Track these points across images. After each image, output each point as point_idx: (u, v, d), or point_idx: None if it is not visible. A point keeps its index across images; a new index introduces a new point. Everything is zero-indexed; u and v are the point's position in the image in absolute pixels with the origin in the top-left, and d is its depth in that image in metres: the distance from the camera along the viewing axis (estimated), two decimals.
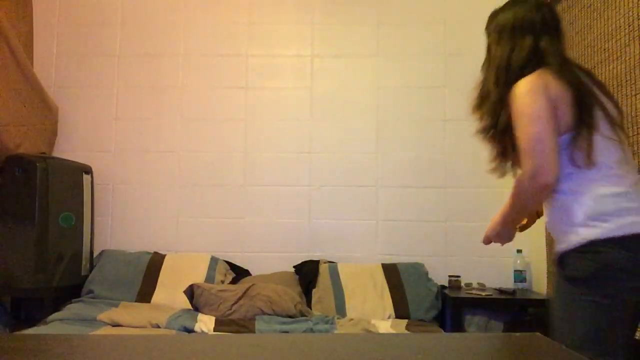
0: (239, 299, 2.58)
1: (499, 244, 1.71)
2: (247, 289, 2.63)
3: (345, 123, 3.27)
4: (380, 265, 2.99)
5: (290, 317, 2.55)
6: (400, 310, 2.74)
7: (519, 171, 1.49)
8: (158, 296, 2.82)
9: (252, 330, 2.38)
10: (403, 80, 3.27)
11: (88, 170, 3.10)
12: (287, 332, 2.34)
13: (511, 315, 2.87)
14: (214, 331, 2.37)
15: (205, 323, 2.41)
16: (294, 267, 3.10)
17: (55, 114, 3.26)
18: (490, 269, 3.07)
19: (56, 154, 3.26)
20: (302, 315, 2.61)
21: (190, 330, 2.37)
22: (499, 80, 1.50)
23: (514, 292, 2.81)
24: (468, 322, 2.84)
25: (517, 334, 0.92)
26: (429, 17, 3.30)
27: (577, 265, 1.34)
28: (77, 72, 3.36)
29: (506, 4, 1.59)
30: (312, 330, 2.38)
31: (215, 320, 2.46)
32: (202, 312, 2.58)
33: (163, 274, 2.93)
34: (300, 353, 0.80)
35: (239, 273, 3.09)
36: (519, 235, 1.82)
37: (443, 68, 3.26)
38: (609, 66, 2.18)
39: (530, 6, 1.52)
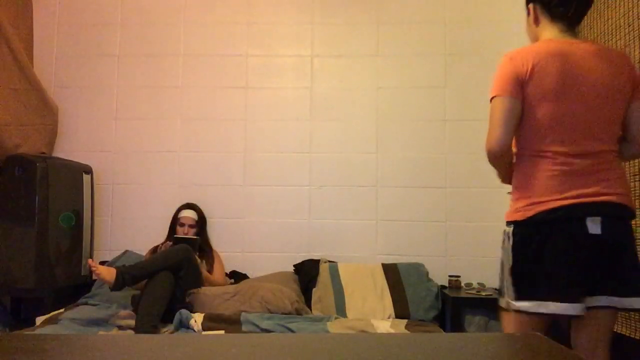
0: (234, 298, 2.58)
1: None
2: (243, 290, 2.63)
3: (345, 123, 3.27)
4: (380, 265, 2.99)
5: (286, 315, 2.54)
6: (400, 310, 2.74)
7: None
8: None
9: (237, 323, 2.36)
10: (403, 80, 3.27)
11: (88, 170, 3.10)
12: (270, 330, 2.29)
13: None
14: (202, 326, 2.34)
15: (194, 318, 2.39)
16: (294, 266, 3.10)
17: (55, 114, 3.26)
18: (490, 269, 3.07)
19: (56, 154, 3.26)
20: (299, 313, 2.61)
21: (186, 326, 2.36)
22: None
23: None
24: (468, 322, 2.84)
25: (517, 334, 0.92)
26: (429, 17, 3.30)
27: None
28: (77, 72, 3.36)
29: None
30: (296, 329, 2.33)
31: (204, 315, 2.44)
32: (198, 312, 2.55)
33: None
34: (299, 353, 0.80)
35: (236, 277, 3.09)
36: None
37: (443, 68, 3.26)
38: None
39: None
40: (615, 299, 1.46)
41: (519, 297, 1.49)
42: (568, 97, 1.48)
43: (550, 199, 1.47)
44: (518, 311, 1.49)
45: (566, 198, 1.46)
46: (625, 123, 1.55)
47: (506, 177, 1.67)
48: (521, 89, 1.50)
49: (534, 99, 1.49)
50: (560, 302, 1.43)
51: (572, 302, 1.43)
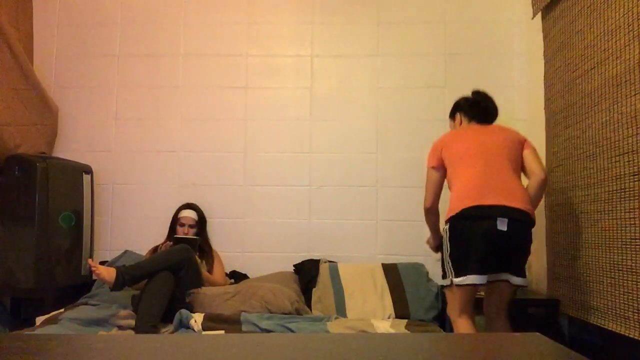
0: (234, 298, 2.58)
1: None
2: (243, 290, 2.63)
3: (345, 123, 3.27)
4: (380, 265, 2.99)
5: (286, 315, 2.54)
6: (400, 310, 2.74)
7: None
8: None
9: (237, 323, 2.37)
10: (403, 80, 3.27)
11: (88, 170, 3.10)
12: (270, 330, 2.30)
13: (511, 315, 2.86)
14: (202, 326, 2.34)
15: (194, 318, 2.39)
16: (294, 266, 3.10)
17: (55, 114, 3.26)
18: None
19: (56, 154, 3.26)
20: (299, 313, 2.60)
21: (186, 326, 2.36)
22: None
23: (514, 292, 2.80)
24: None
25: (517, 334, 0.92)
26: (429, 17, 3.30)
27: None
28: (77, 72, 3.36)
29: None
30: (296, 329, 2.34)
31: (204, 315, 2.44)
32: (198, 312, 2.55)
33: None
34: (299, 353, 0.80)
35: (236, 277, 3.09)
36: None
37: (443, 68, 3.26)
38: (609, 66, 2.18)
39: None
40: (511, 276, 2.07)
41: (456, 274, 2.05)
42: (469, 138, 2.20)
43: (470, 201, 2.05)
44: (457, 285, 2.05)
45: (482, 200, 2.04)
46: (524, 166, 2.18)
47: (432, 231, 2.36)
48: (441, 158, 2.25)
49: (447, 147, 2.23)
50: (474, 274, 2.02)
51: (481, 274, 2.02)
